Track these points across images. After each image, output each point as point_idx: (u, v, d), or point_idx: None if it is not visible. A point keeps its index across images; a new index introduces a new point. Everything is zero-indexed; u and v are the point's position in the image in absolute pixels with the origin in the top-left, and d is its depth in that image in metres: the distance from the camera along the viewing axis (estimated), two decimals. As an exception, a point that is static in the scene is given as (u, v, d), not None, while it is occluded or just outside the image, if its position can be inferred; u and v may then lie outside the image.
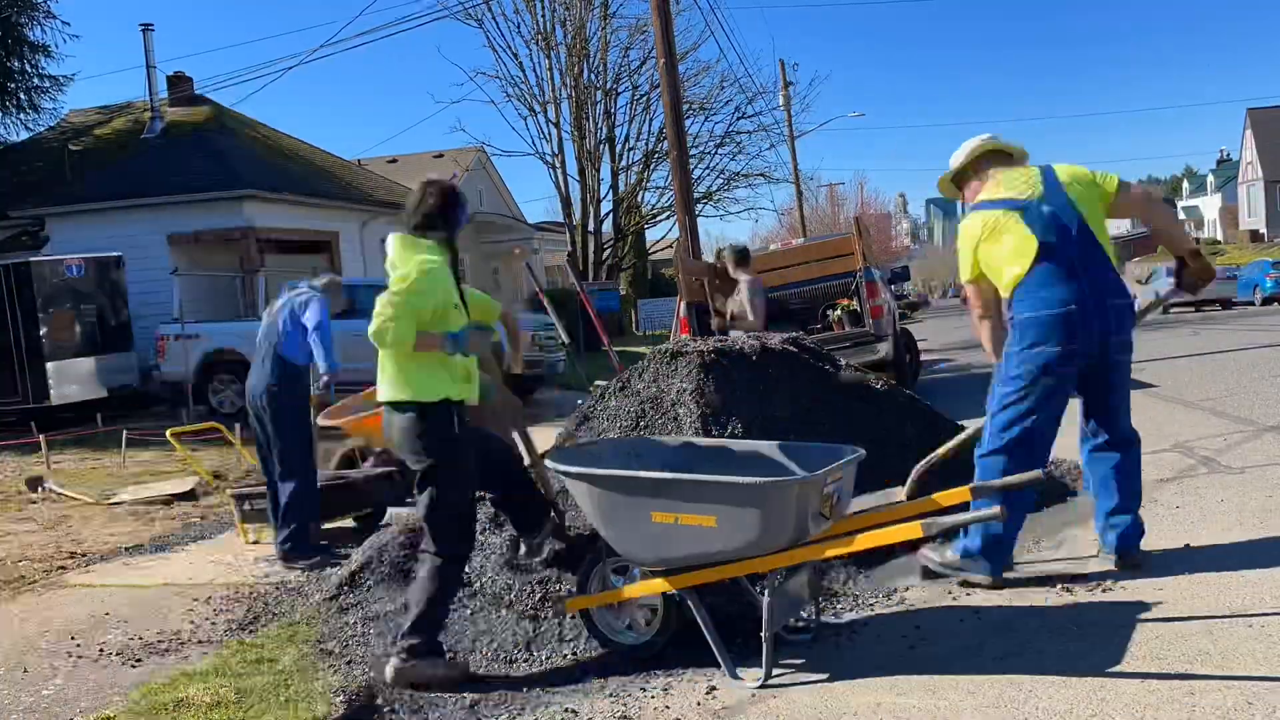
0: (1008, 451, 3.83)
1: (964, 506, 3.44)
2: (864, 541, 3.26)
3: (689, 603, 3.40)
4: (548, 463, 3.65)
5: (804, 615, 3.71)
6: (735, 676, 3.28)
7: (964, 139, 4.33)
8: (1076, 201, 3.89)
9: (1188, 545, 4.13)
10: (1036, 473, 3.40)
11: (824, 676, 3.27)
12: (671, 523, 3.25)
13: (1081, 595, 3.71)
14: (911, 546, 4.08)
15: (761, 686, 3.19)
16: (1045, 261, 3.80)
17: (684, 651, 3.56)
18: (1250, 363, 10.92)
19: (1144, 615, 3.42)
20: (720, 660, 3.31)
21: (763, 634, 3.23)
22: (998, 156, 4.18)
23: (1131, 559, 3.92)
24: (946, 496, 3.36)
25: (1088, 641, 3.27)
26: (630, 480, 3.38)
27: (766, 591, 3.26)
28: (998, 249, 3.91)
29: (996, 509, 3.23)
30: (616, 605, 3.65)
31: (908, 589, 4.05)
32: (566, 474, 3.51)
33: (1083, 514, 4.86)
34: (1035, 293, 3.81)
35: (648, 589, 3.49)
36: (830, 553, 3.37)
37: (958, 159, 4.26)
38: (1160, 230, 4.23)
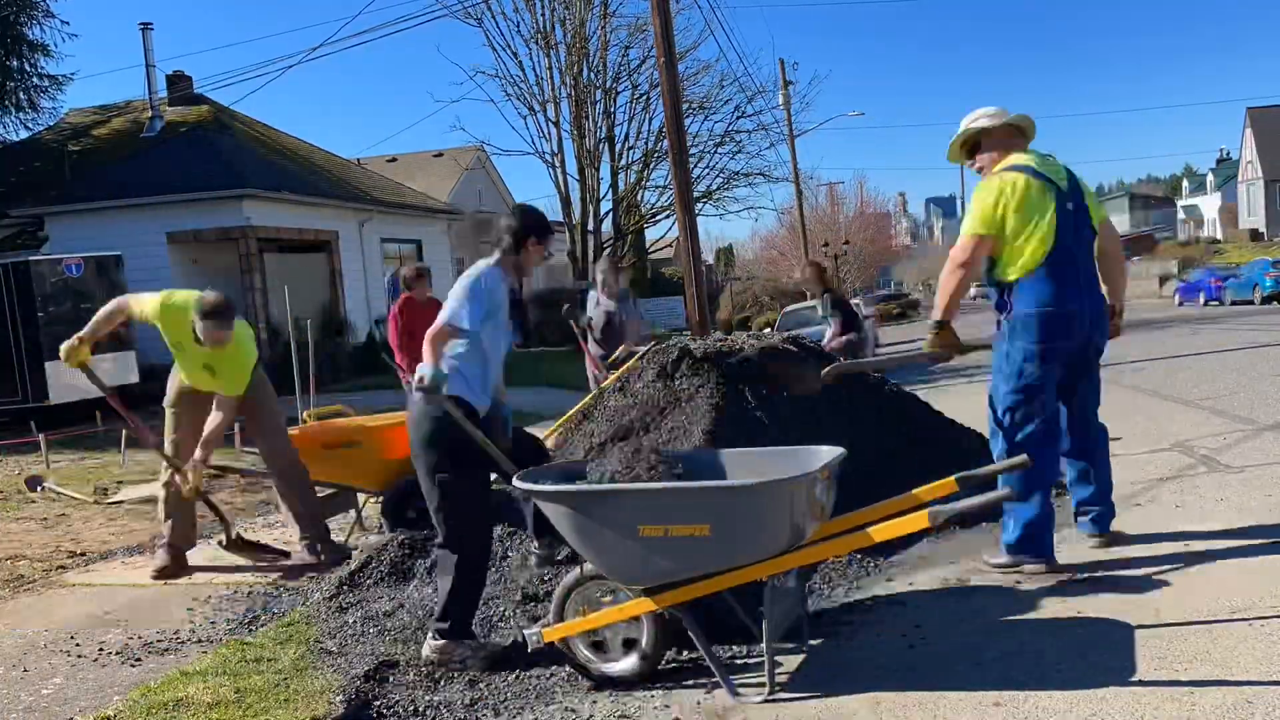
0: (1022, 448, 3.86)
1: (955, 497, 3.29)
2: (881, 533, 3.15)
3: (683, 620, 3.25)
4: (518, 483, 3.40)
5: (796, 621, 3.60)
6: (736, 694, 3.14)
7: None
8: (1090, 208, 4.06)
9: (1187, 544, 4.13)
10: (1023, 457, 3.38)
11: (824, 675, 3.27)
12: (661, 535, 3.10)
13: (1081, 595, 3.71)
14: (908, 541, 4.13)
15: (766, 701, 3.09)
16: (1059, 256, 3.89)
17: (682, 652, 3.55)
18: (1250, 362, 10.92)
19: (1144, 615, 3.42)
20: (720, 679, 3.18)
21: (763, 645, 3.15)
22: (1015, 132, 4.18)
23: (1108, 538, 4.20)
24: (928, 491, 3.24)
25: (1087, 641, 3.27)
26: (614, 494, 3.20)
27: (766, 600, 3.16)
28: (1025, 222, 3.90)
29: (1007, 490, 3.39)
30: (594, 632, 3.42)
31: (907, 588, 4.05)
32: (540, 494, 3.31)
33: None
34: (1044, 288, 3.89)
35: (635, 609, 3.28)
36: (844, 548, 3.37)
37: (980, 123, 4.18)
38: (1110, 274, 4.17)
